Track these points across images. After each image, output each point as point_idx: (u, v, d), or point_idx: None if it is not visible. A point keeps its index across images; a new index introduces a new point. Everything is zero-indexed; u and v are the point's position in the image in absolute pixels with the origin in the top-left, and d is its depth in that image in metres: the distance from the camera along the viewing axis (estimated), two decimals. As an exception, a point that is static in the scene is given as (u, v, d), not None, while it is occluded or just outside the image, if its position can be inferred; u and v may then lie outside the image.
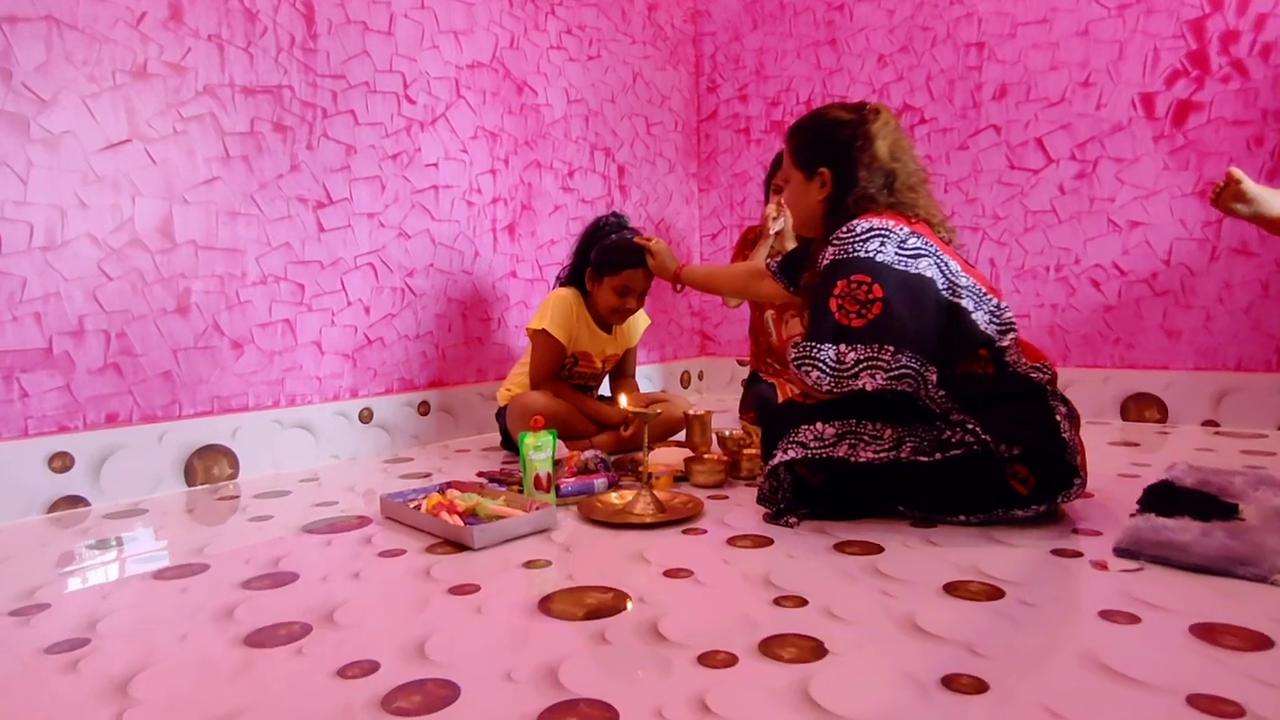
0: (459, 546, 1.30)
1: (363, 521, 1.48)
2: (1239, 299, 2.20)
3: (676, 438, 2.21)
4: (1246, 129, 2.17)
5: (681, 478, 1.75)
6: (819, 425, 1.37)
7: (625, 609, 1.02)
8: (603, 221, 2.13)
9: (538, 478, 1.50)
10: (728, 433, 2.06)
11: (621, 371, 2.27)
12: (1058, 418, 1.33)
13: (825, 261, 1.39)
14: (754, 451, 1.80)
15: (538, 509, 1.42)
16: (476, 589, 1.10)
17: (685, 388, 3.25)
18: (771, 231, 2.40)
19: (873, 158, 1.44)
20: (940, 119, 2.66)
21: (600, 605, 1.04)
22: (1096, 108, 2.37)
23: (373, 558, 1.26)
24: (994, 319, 1.36)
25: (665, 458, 1.82)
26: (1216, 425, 2.24)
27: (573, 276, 2.15)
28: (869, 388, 1.32)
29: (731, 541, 1.30)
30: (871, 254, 1.34)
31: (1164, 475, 1.57)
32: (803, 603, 1.03)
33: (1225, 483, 1.50)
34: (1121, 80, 2.34)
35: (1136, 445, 2.02)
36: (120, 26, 1.68)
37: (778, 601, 1.03)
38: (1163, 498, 1.42)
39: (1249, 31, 2.15)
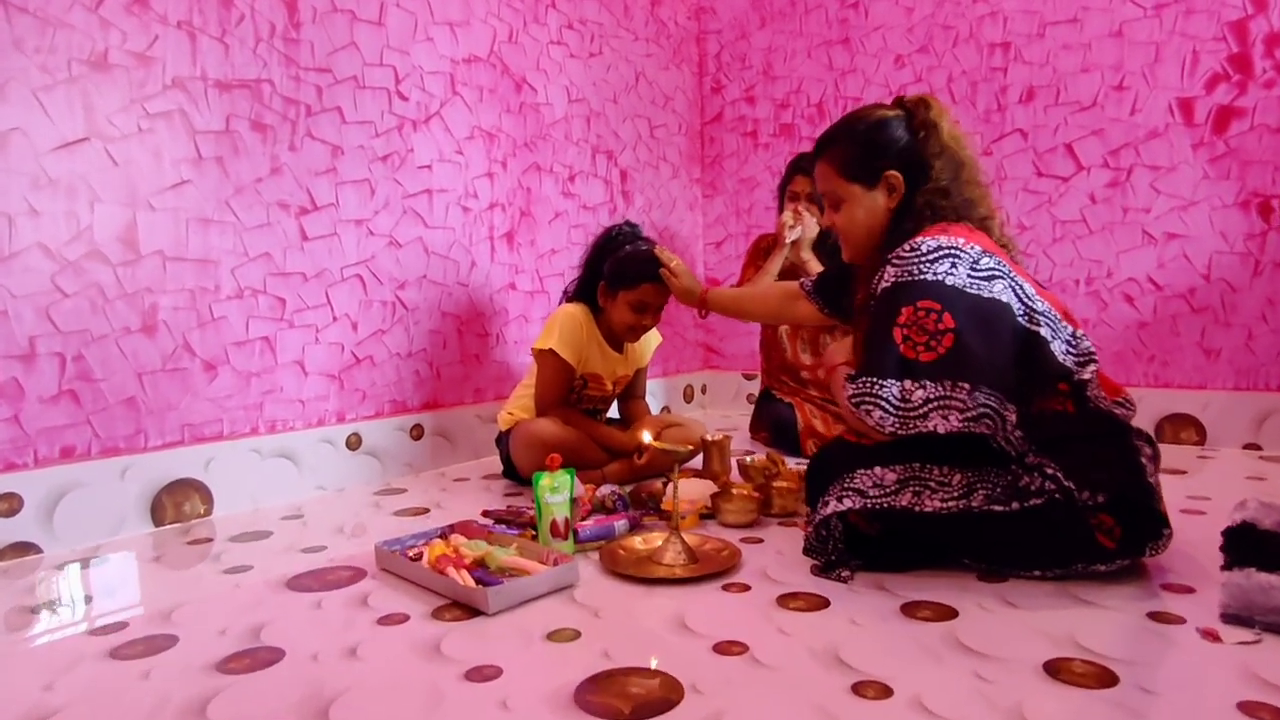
0: (470, 610, 1.13)
1: (356, 574, 1.30)
2: (1284, 316, 2.09)
3: (692, 464, 2.04)
4: (1293, 137, 2.05)
5: (708, 514, 1.59)
6: (878, 470, 1.22)
7: (679, 701, 0.86)
8: (615, 231, 1.97)
9: (554, 523, 1.34)
10: (749, 459, 1.90)
11: (631, 393, 2.10)
12: (1143, 460, 1.19)
13: (886, 283, 1.23)
14: (785, 485, 1.64)
15: (556, 561, 1.25)
16: (498, 673, 0.93)
17: (689, 403, 3.10)
18: (788, 240, 2.25)
19: (941, 146, 1.29)
20: (962, 123, 2.50)
21: (649, 696, 0.87)
22: (1131, 113, 2.25)
23: (370, 625, 1.09)
24: (1071, 349, 1.21)
25: (687, 491, 1.66)
26: (1259, 449, 2.12)
27: (582, 291, 1.98)
28: (941, 430, 1.15)
29: (782, 602, 1.14)
30: (940, 276, 1.18)
31: (1237, 514, 1.43)
32: (887, 691, 0.87)
33: (1309, 524, 1.37)
34: (1158, 84, 2.21)
35: (1183, 473, 1.89)
36: (77, 10, 1.49)
37: (856, 689, 0.88)
38: (1250, 545, 1.28)
39: (1296, 33, 2.03)
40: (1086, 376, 1.19)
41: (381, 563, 1.32)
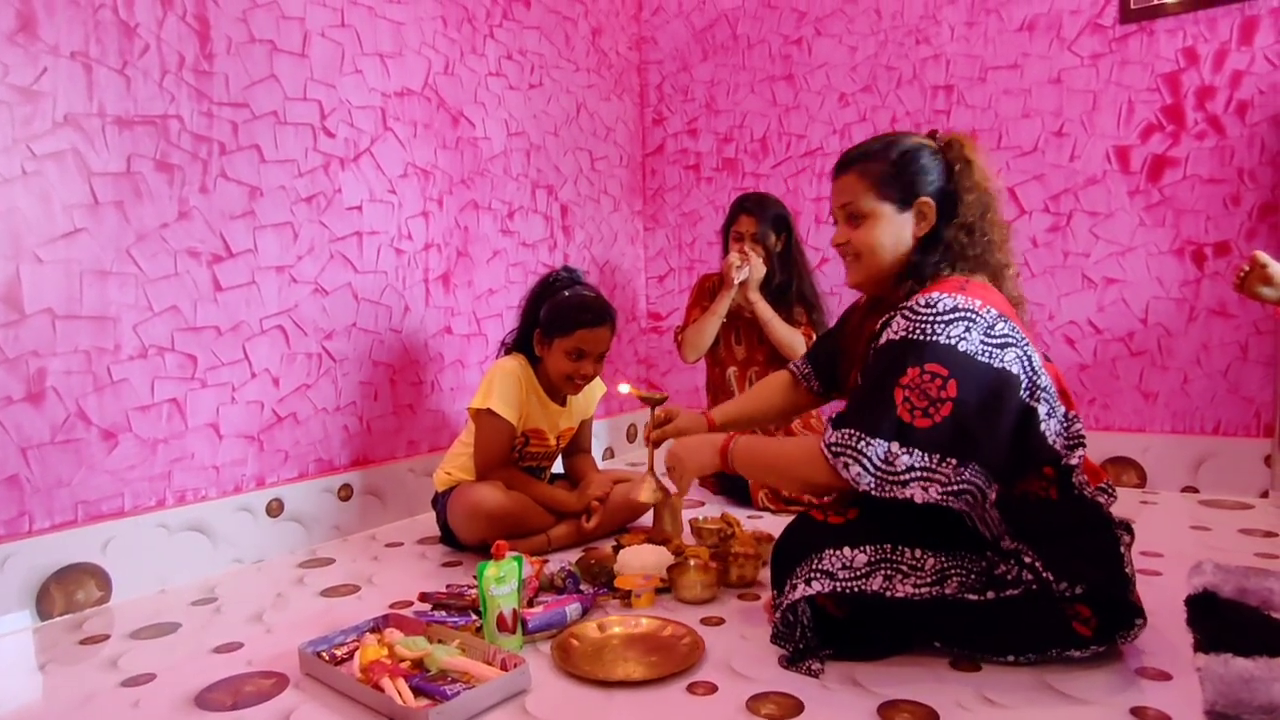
0: (409, 732, 1.01)
1: (278, 683, 1.16)
2: (1217, 361, 2.13)
3: (642, 523, 1.95)
4: (1223, 187, 2.10)
5: (663, 588, 1.50)
6: (846, 551, 1.15)
7: None
8: (553, 278, 1.86)
9: (500, 617, 1.22)
10: (702, 518, 1.82)
11: (576, 447, 2.00)
12: (1122, 549, 1.16)
13: (894, 336, 1.14)
14: (743, 551, 1.56)
15: (503, 662, 1.14)
16: (443, 828, 0.82)
17: (631, 443, 3.00)
18: (735, 281, 2.19)
19: (974, 184, 1.22)
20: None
21: None
22: (1070, 159, 2.28)
23: (293, 761, 0.95)
24: (1063, 431, 1.15)
25: (638, 560, 1.56)
26: (1197, 491, 2.16)
27: (519, 342, 1.87)
28: (919, 500, 1.09)
29: (753, 706, 1.06)
30: (953, 341, 1.10)
31: (1196, 579, 1.42)
32: (879, 832, 0.79)
33: (1266, 590, 1.37)
34: (1095, 131, 2.25)
35: (1132, 521, 1.89)
36: (-52, 40, 1.31)
37: (846, 830, 0.80)
38: (1216, 620, 1.27)
39: (1225, 88, 2.09)
40: (1074, 462, 1.14)
41: (306, 668, 1.18)
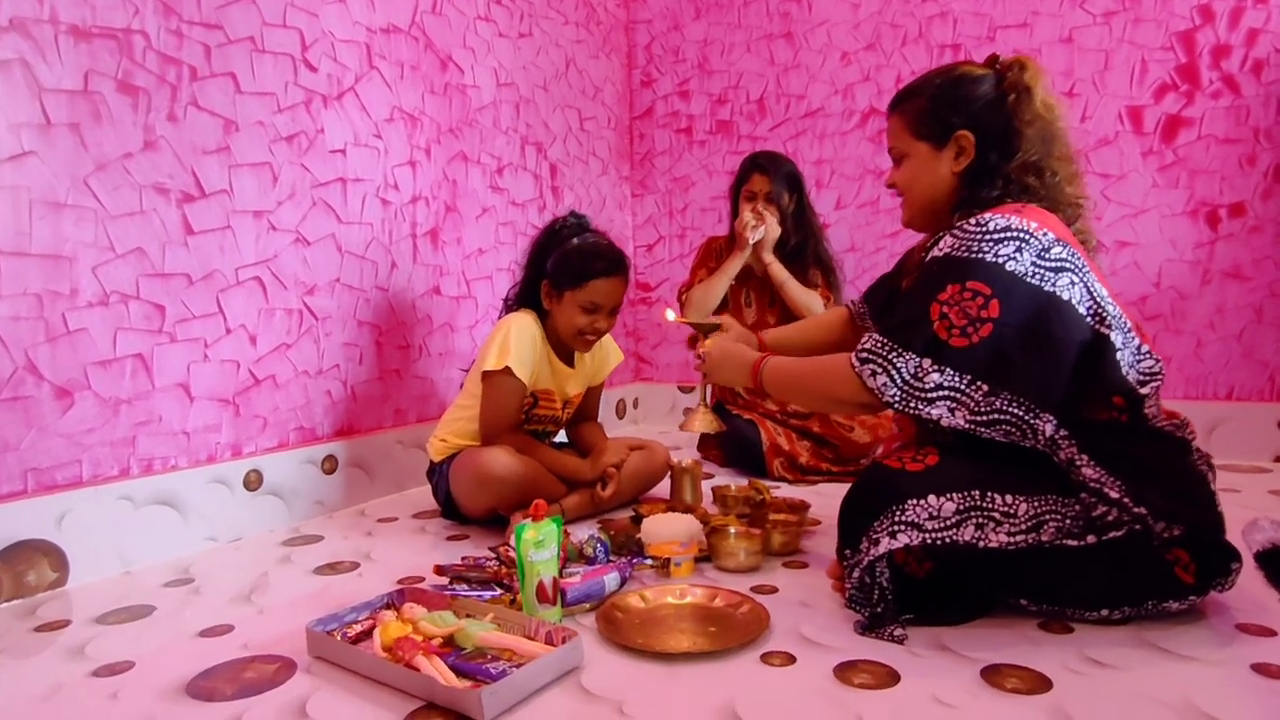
0: (452, 714, 0.86)
1: (284, 668, 0.99)
2: (1231, 325, 2.11)
3: (659, 491, 1.82)
4: (1238, 147, 2.07)
5: (702, 557, 1.37)
6: (932, 499, 1.04)
7: None
8: (559, 224, 1.71)
9: (541, 585, 1.07)
10: (728, 488, 1.70)
11: (583, 414, 1.85)
12: (1211, 487, 1.08)
13: (939, 253, 1.09)
14: (784, 518, 1.45)
15: (548, 635, 0.99)
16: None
17: (620, 418, 2.87)
18: (750, 241, 2.08)
19: (1034, 114, 1.14)
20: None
21: None
22: (1081, 119, 2.22)
23: (321, 754, 0.80)
24: (1137, 363, 1.08)
25: (667, 528, 1.42)
26: (1210, 457, 2.12)
27: (525, 296, 1.71)
28: (945, 423, 1.05)
29: (841, 674, 0.94)
30: (1001, 260, 1.04)
31: (1256, 536, 1.35)
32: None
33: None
34: (1108, 91, 2.20)
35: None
36: None
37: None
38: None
39: (1240, 46, 2.05)
40: (1145, 393, 1.07)
41: (316, 649, 1.02)
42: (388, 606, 1.12)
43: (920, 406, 1.04)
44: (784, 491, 1.78)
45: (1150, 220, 2.17)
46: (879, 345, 1.07)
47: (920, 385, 1.04)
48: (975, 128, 1.16)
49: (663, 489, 1.81)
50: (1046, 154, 1.16)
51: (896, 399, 1.05)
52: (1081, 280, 1.07)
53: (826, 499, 1.74)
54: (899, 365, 1.05)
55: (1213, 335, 2.13)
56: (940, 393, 1.04)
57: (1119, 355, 1.06)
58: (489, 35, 2.22)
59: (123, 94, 1.38)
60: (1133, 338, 1.09)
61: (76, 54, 1.32)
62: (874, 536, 1.04)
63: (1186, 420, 1.13)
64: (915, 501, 1.04)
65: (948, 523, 1.03)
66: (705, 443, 2.30)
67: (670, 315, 1.51)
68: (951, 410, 1.04)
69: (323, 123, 1.74)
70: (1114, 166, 2.20)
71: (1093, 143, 2.22)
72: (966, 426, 1.05)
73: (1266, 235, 2.05)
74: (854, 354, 1.10)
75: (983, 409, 1.04)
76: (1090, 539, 1.02)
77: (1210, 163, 2.10)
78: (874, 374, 1.06)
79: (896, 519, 1.03)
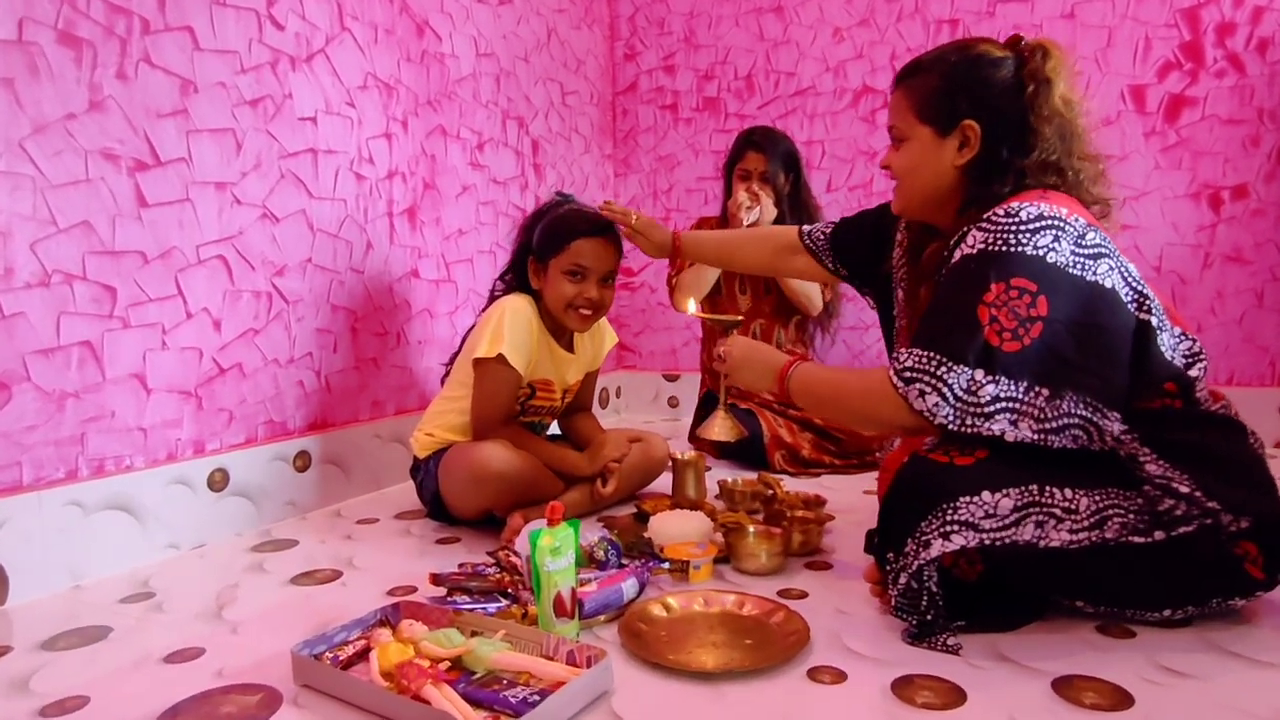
0: (473, 756, 0.74)
1: (267, 699, 0.86)
2: (1231, 309, 2.07)
3: (658, 487, 1.72)
4: (1242, 128, 2.03)
5: (720, 558, 1.27)
6: (987, 495, 0.95)
7: None
8: (546, 206, 1.59)
9: (559, 598, 0.96)
10: (732, 480, 1.61)
11: (578, 404, 1.73)
12: (1269, 470, 1.02)
13: (971, 249, 1.00)
14: (805, 514, 1.36)
15: (569, 655, 0.88)
16: None
17: (604, 408, 2.75)
18: (745, 223, 1.97)
19: (1053, 111, 1.05)
20: (907, 103, 2.35)
21: None
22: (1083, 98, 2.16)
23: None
24: (1175, 346, 1.02)
25: (677, 527, 1.31)
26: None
27: (516, 280, 1.59)
28: (1010, 438, 0.96)
29: (901, 692, 0.85)
30: (1041, 251, 0.97)
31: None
32: None
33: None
34: (1110, 70, 2.14)
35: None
36: None
37: None
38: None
39: (1245, 24, 2.01)
40: (1195, 374, 1.01)
41: (303, 677, 0.89)
42: (382, 624, 0.99)
43: (978, 424, 0.95)
44: (790, 484, 1.69)
45: (1152, 202, 2.12)
46: (924, 360, 0.97)
47: (976, 400, 0.95)
48: (985, 117, 1.07)
49: (661, 483, 1.70)
50: (1066, 153, 1.08)
51: (951, 418, 0.95)
52: (1119, 266, 1.01)
53: (835, 492, 1.65)
54: (950, 381, 0.95)
55: (1213, 320, 2.09)
56: (998, 405, 0.95)
57: (1160, 339, 1.00)
58: (468, 1, 2.07)
59: (64, 46, 1.22)
60: (1167, 320, 1.03)
61: (9, -2, 1.15)
62: (922, 538, 0.95)
63: (1231, 405, 1.06)
64: (968, 499, 0.95)
65: (1006, 521, 0.94)
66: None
67: (691, 306, 1.41)
68: (1014, 423, 0.95)
69: (290, 86, 1.58)
70: (1116, 147, 2.14)
71: (1094, 122, 2.15)
72: (1034, 438, 0.96)
73: (1269, 219, 2.02)
74: (893, 372, 1.00)
75: (1049, 416, 0.96)
76: (1159, 535, 0.95)
77: (1213, 144, 2.06)
78: (922, 394, 0.96)
79: (948, 518, 0.94)
